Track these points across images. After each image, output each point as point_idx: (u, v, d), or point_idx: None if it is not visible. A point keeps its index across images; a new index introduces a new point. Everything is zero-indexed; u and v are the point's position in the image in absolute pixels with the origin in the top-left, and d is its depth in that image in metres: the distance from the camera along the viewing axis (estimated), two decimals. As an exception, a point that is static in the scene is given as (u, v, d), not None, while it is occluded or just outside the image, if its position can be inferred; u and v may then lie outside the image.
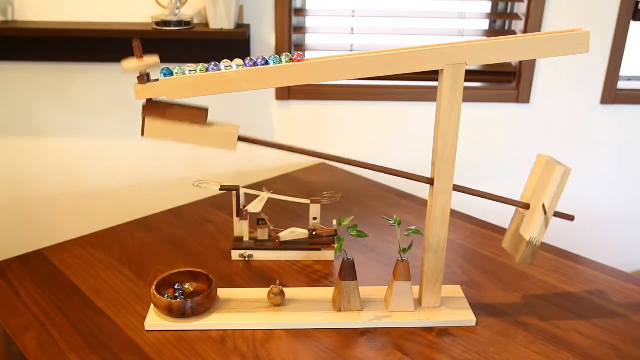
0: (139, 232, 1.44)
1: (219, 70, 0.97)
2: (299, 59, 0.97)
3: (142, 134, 0.99)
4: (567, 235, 2.14)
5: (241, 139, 1.01)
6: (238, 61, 0.98)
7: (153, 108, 0.98)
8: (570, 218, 1.09)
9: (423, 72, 0.99)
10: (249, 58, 0.98)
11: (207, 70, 0.97)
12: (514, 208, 1.13)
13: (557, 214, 1.07)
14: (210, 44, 1.84)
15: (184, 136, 0.99)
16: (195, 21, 1.83)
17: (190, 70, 0.97)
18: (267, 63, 0.97)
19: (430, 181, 1.05)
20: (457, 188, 1.06)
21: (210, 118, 1.01)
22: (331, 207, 1.55)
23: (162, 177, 2.04)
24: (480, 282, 1.26)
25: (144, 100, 0.99)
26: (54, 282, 1.22)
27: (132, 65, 0.93)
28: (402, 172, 1.06)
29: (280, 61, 0.97)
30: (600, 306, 1.18)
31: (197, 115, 0.98)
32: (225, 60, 0.98)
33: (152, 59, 0.95)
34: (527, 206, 1.08)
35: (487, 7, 2.02)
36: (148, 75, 0.97)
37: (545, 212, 1.03)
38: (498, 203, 1.10)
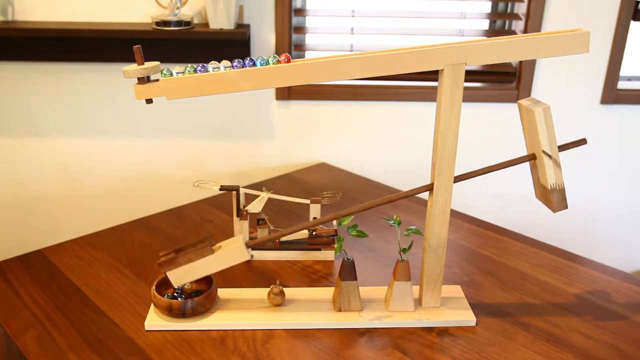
0: (139, 232, 1.44)
1: (207, 72, 0.97)
2: (286, 60, 0.97)
3: (174, 286, 1.08)
4: (567, 235, 2.15)
5: (248, 245, 1.09)
6: (225, 63, 0.98)
7: (166, 262, 1.05)
8: (582, 142, 1.08)
9: (423, 72, 0.99)
10: (236, 60, 0.98)
11: (195, 71, 0.98)
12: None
13: (566, 146, 1.05)
14: (210, 44, 1.84)
15: (203, 270, 1.06)
16: (195, 21, 1.83)
17: (177, 72, 0.98)
18: (254, 65, 0.97)
19: (429, 188, 1.05)
20: (459, 177, 1.06)
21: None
22: (331, 207, 1.55)
23: (162, 177, 2.04)
24: (480, 282, 1.26)
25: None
26: (54, 282, 1.22)
27: (133, 70, 0.94)
28: (401, 193, 1.07)
29: (268, 63, 0.97)
30: (600, 306, 1.18)
31: (204, 248, 1.05)
32: (212, 62, 0.98)
33: (153, 64, 0.95)
34: (533, 157, 1.07)
35: (487, 7, 2.02)
36: (148, 75, 0.97)
37: (550, 156, 1.02)
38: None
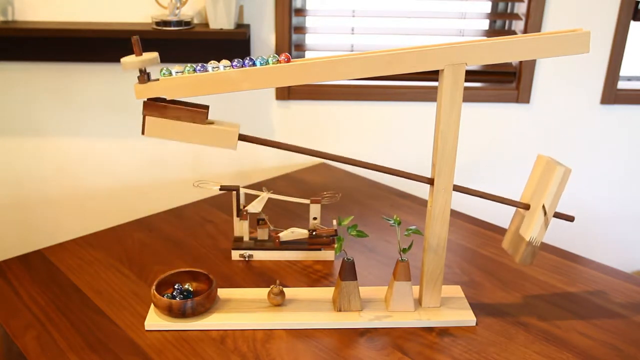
0: (139, 232, 1.44)
1: (206, 71, 0.97)
2: (285, 60, 0.97)
3: (143, 132, 0.99)
4: (567, 235, 2.14)
5: (241, 137, 1.02)
6: (225, 62, 0.98)
7: (153, 106, 0.98)
8: (570, 219, 1.10)
9: (423, 72, 0.99)
10: (236, 60, 0.98)
11: (194, 71, 0.98)
12: (514, 208, 1.13)
13: (557, 215, 1.07)
14: (210, 44, 1.84)
15: (185, 135, 0.99)
16: (195, 21, 1.83)
17: (177, 72, 0.97)
18: (254, 64, 0.97)
19: (430, 181, 1.05)
20: (457, 188, 1.06)
21: (210, 117, 1.01)
22: (331, 207, 1.55)
23: (162, 177, 2.04)
24: (480, 282, 1.26)
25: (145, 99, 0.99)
26: (54, 282, 1.22)
27: (131, 61, 0.93)
28: (402, 172, 1.06)
29: (268, 62, 0.97)
30: (600, 306, 1.18)
31: (198, 113, 0.98)
32: (212, 62, 0.98)
33: (151, 55, 0.95)
34: (527, 206, 1.08)
35: (487, 7, 2.02)
36: (148, 74, 0.97)
37: (545, 213, 1.03)
38: (498, 203, 1.10)
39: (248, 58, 0.98)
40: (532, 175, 1.09)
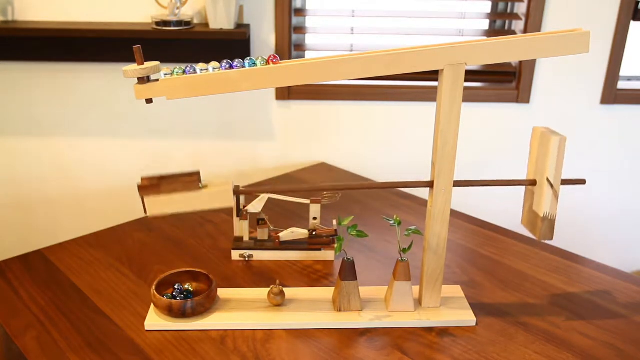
0: (139, 232, 1.44)
1: (195, 73, 0.97)
2: (275, 61, 0.97)
3: (145, 212, 1.03)
4: (567, 235, 2.14)
5: (236, 192, 1.05)
6: (214, 64, 0.98)
7: (148, 186, 1.01)
8: (582, 182, 1.08)
9: (423, 72, 0.99)
10: (225, 61, 0.98)
11: (184, 72, 0.98)
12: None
13: (567, 182, 1.06)
14: (210, 44, 1.84)
15: (184, 204, 1.03)
16: (195, 21, 1.83)
17: (165, 74, 0.98)
18: (243, 66, 0.97)
19: (429, 184, 1.05)
20: (459, 183, 1.06)
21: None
22: (331, 207, 1.55)
23: (162, 177, 2.04)
24: (480, 282, 1.26)
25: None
26: (54, 282, 1.22)
27: (133, 70, 0.94)
28: (401, 182, 1.07)
29: (255, 64, 0.97)
30: (600, 306, 1.18)
31: (190, 181, 1.02)
32: (200, 64, 0.98)
33: (153, 64, 0.95)
34: (533, 182, 1.07)
35: (487, 7, 2.02)
36: (148, 75, 0.97)
37: (552, 185, 1.03)
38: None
39: (237, 60, 0.98)
40: (531, 150, 1.09)
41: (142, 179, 1.02)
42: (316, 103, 1.99)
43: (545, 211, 1.04)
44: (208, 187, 1.03)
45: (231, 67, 0.98)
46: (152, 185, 1.01)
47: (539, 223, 1.05)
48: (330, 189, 1.08)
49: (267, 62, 0.98)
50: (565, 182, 1.05)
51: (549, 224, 1.05)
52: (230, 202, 1.03)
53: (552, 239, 1.07)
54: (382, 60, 0.97)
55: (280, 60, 0.99)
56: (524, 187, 1.11)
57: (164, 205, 1.02)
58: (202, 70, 0.97)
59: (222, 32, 1.75)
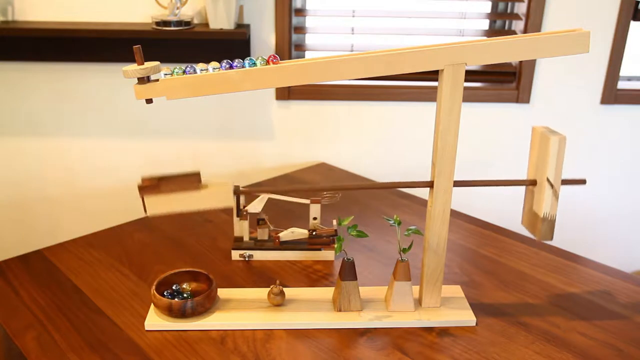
0: (139, 232, 1.44)
1: (195, 73, 0.97)
2: (274, 61, 0.97)
3: (145, 212, 1.03)
4: (567, 235, 2.14)
5: (236, 192, 1.06)
6: (214, 64, 0.98)
7: (148, 186, 1.02)
8: (582, 182, 1.08)
9: (423, 72, 0.99)
10: (225, 61, 0.98)
11: (183, 72, 0.98)
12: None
13: (567, 182, 1.06)
14: (210, 44, 1.84)
15: (184, 204, 1.03)
16: (195, 21, 1.83)
17: (165, 74, 0.98)
18: (243, 66, 0.97)
19: (430, 184, 1.05)
20: (459, 183, 1.06)
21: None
22: (331, 207, 1.55)
23: (162, 177, 2.04)
24: (480, 282, 1.26)
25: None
26: (54, 282, 1.22)
27: (132, 70, 0.94)
28: (401, 183, 1.07)
29: (255, 64, 0.97)
30: (600, 306, 1.18)
31: (190, 181, 1.02)
32: (200, 64, 0.98)
33: (152, 64, 0.95)
34: (533, 182, 1.07)
35: (487, 7, 2.02)
36: (148, 75, 0.97)
37: (552, 185, 1.03)
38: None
39: (237, 60, 0.98)
40: (531, 150, 1.09)
41: (142, 179, 1.02)
42: (316, 103, 1.99)
43: (545, 211, 1.04)
44: (208, 187, 1.03)
45: (231, 67, 0.98)
46: (152, 185, 1.02)
47: (539, 223, 1.05)
48: (330, 189, 1.08)
49: (267, 62, 0.98)
50: (565, 182, 1.05)
51: (549, 224, 1.05)
52: (230, 201, 1.03)
53: (551, 239, 1.07)
54: (382, 60, 0.97)
55: (280, 60, 0.99)
56: (524, 188, 1.11)
57: (163, 204, 1.03)
58: (202, 70, 0.97)
59: (222, 32, 1.75)
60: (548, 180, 1.03)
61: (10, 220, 2.07)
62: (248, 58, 0.98)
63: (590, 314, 1.15)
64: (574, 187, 1.88)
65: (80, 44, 1.84)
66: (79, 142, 1.99)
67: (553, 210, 1.05)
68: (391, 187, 1.08)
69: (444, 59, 0.97)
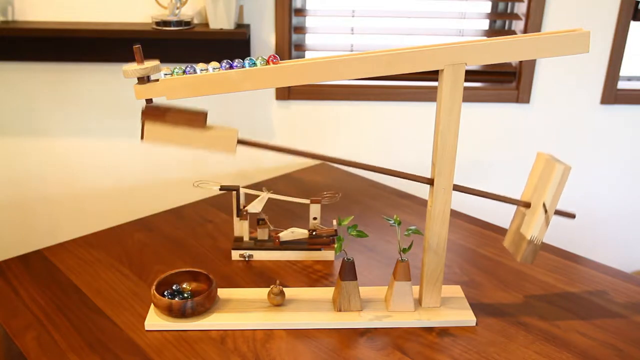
0: (139, 232, 1.44)
1: (195, 73, 0.97)
2: (274, 61, 0.97)
3: (142, 137, 1.00)
4: (567, 235, 2.14)
5: (240, 141, 1.02)
6: (214, 64, 0.98)
7: (152, 112, 0.98)
8: (571, 216, 1.09)
9: (423, 72, 0.99)
10: (225, 61, 0.98)
11: (184, 72, 0.97)
12: (515, 207, 1.13)
13: (558, 212, 1.07)
14: (210, 44, 1.84)
15: (183, 140, 1.00)
16: (195, 21, 1.83)
17: (165, 74, 0.98)
18: (243, 66, 0.97)
19: (430, 181, 1.05)
20: (457, 188, 1.06)
21: (210, 119, 1.01)
22: (331, 207, 1.55)
23: (162, 177, 2.04)
24: (480, 282, 1.26)
25: (144, 102, 0.99)
26: (54, 282, 1.22)
27: (132, 70, 0.94)
28: (402, 173, 1.06)
29: (255, 64, 0.97)
30: (600, 306, 1.18)
31: (196, 118, 0.99)
32: (200, 64, 0.98)
33: (153, 64, 0.95)
34: (527, 205, 1.08)
35: (487, 7, 2.02)
36: (148, 75, 0.97)
37: (546, 211, 1.03)
38: (498, 202, 1.10)
39: (237, 60, 0.98)
40: (532, 173, 1.09)
41: (147, 105, 0.98)
42: (316, 103, 1.99)
43: (533, 235, 1.05)
44: (212, 129, 1.00)
45: (231, 67, 0.98)
46: (156, 113, 0.98)
47: (524, 245, 1.06)
48: (327, 159, 1.05)
49: (267, 62, 0.98)
50: (556, 212, 1.06)
51: (534, 248, 1.06)
52: (232, 149, 1.00)
53: (532, 262, 1.08)
54: (382, 60, 0.97)
55: (281, 60, 0.99)
56: (519, 193, 1.11)
57: (163, 134, 0.99)
58: (202, 70, 0.97)
59: (222, 32, 1.75)
60: (544, 205, 1.03)
61: (10, 220, 2.07)
62: (248, 58, 0.98)
63: (590, 314, 1.15)
64: (574, 186, 1.88)
65: (80, 44, 1.84)
66: (79, 142, 1.99)
67: (541, 235, 1.05)
68: (392, 174, 1.06)
69: (444, 59, 0.97)
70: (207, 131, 1.00)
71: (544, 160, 1.06)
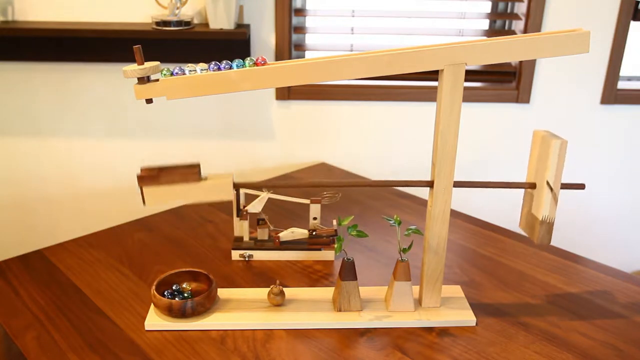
0: (139, 232, 1.44)
1: (184, 74, 0.97)
2: (262, 62, 0.97)
3: (144, 203, 1.02)
4: (567, 235, 2.14)
5: (236, 185, 1.05)
6: (202, 65, 0.98)
7: (147, 176, 1.01)
8: (581, 186, 1.08)
9: (423, 72, 0.99)
10: (213, 63, 0.98)
11: (171, 74, 0.97)
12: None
13: (566, 186, 1.06)
14: (210, 44, 1.84)
15: (183, 196, 1.02)
16: (195, 21, 1.83)
17: (164, 74, 0.97)
18: (231, 67, 0.97)
19: (430, 184, 1.05)
20: (458, 183, 1.06)
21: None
22: (331, 207, 1.55)
23: (162, 177, 2.04)
24: (480, 282, 1.26)
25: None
26: (54, 282, 1.22)
27: (132, 70, 0.94)
28: (401, 181, 1.06)
29: (244, 65, 0.97)
30: (600, 306, 1.18)
31: (190, 173, 1.01)
32: (189, 65, 0.98)
33: (153, 64, 0.95)
34: (533, 185, 1.07)
35: (487, 7, 2.02)
36: (148, 75, 0.97)
37: (552, 189, 1.03)
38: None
39: (225, 62, 0.98)
40: (532, 153, 1.09)
41: (142, 170, 1.01)
42: (316, 103, 1.99)
43: (544, 214, 1.04)
44: (208, 179, 1.02)
45: (219, 68, 0.98)
46: (151, 176, 1.01)
47: (537, 226, 1.05)
48: (328, 185, 1.07)
49: (256, 64, 0.97)
50: (564, 186, 1.05)
51: (547, 227, 1.05)
52: (230, 195, 1.02)
53: (549, 243, 1.07)
54: (382, 60, 0.97)
55: (280, 60, 0.98)
56: (523, 189, 1.11)
57: (162, 196, 1.01)
58: (190, 71, 0.97)
59: (222, 32, 1.75)
60: (548, 183, 1.03)
61: (10, 220, 2.07)
62: (236, 60, 0.98)
63: (590, 314, 1.15)
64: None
65: (80, 44, 1.84)
66: (79, 142, 1.99)
67: (552, 213, 1.04)
68: (391, 185, 1.08)
69: (444, 59, 0.97)
70: (204, 183, 1.02)
71: (540, 137, 1.05)
